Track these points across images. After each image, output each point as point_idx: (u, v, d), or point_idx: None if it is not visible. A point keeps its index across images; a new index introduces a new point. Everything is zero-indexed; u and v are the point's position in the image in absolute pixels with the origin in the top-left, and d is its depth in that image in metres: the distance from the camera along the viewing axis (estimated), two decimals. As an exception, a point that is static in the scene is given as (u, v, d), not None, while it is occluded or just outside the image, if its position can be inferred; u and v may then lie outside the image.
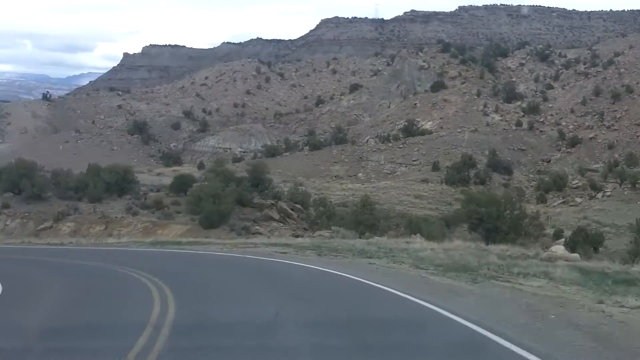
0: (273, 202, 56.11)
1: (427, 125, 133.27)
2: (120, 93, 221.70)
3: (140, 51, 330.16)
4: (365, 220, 48.03)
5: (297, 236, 48.13)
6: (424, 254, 22.77)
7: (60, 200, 52.12)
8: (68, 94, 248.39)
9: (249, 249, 28.70)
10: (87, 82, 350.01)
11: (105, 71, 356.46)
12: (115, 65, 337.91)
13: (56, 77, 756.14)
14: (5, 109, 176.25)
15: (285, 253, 25.47)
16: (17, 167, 54.23)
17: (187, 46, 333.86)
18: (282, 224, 53.05)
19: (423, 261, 20.82)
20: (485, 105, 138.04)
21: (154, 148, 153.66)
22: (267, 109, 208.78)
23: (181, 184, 57.22)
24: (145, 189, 64.12)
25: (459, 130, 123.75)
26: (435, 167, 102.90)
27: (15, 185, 52.55)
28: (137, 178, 61.43)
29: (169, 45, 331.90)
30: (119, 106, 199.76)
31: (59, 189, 54.85)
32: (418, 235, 36.03)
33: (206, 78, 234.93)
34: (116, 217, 48.01)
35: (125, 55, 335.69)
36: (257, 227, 47.97)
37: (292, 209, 57.28)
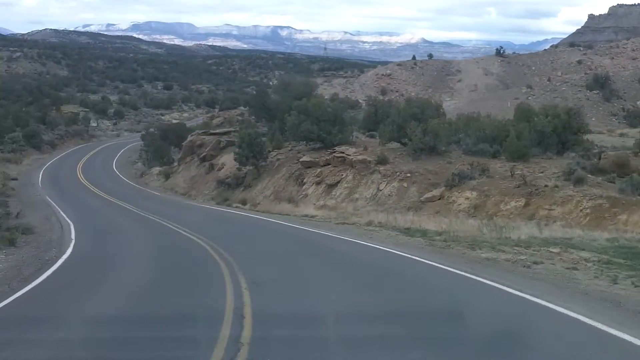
0: None
1: None
2: (581, 48, 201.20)
3: (606, 12, 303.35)
4: None
5: None
6: None
7: (465, 156, 34.02)
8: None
9: None
10: (549, 47, 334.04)
11: (567, 35, 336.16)
12: (579, 28, 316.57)
13: (519, 43, 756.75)
14: (456, 66, 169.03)
15: None
16: (407, 108, 37.53)
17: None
18: None
19: None
20: None
21: (617, 106, 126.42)
22: None
23: (662, 139, 34.15)
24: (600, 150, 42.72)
25: None
26: None
27: (404, 132, 35.85)
28: (586, 130, 39.70)
29: (639, 4, 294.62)
30: (579, 62, 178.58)
31: (470, 141, 36.92)
32: None
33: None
34: (546, 185, 27.89)
35: (590, 17, 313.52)
36: None
37: None
